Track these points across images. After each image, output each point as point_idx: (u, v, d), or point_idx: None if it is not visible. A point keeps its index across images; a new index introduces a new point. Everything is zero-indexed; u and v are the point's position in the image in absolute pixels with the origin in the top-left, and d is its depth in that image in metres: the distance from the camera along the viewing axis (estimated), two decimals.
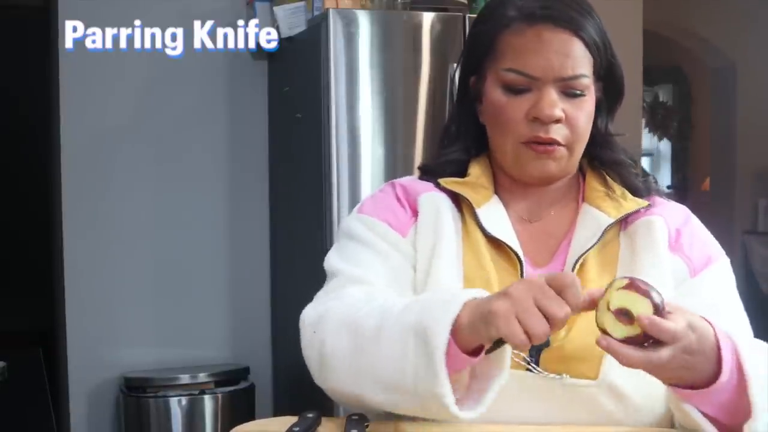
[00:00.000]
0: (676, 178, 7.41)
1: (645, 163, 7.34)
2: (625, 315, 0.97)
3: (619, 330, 0.97)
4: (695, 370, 1.01)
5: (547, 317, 0.96)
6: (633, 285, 0.98)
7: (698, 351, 1.00)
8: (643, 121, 6.52)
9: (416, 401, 1.03)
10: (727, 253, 1.29)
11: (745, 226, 6.05)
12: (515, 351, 1.11)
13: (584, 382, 1.14)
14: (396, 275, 1.23)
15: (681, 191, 7.02)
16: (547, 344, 1.16)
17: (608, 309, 0.98)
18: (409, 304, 1.07)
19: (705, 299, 1.20)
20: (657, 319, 0.96)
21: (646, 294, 0.97)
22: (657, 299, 0.97)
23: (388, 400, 1.07)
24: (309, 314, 1.18)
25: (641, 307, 0.97)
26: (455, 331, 1.00)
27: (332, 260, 1.26)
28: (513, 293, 0.97)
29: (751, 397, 1.01)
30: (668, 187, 7.22)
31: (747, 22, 5.86)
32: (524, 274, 1.21)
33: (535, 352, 1.16)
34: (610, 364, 1.13)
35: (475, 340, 1.01)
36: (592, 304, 0.99)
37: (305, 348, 1.15)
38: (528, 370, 1.15)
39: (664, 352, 0.97)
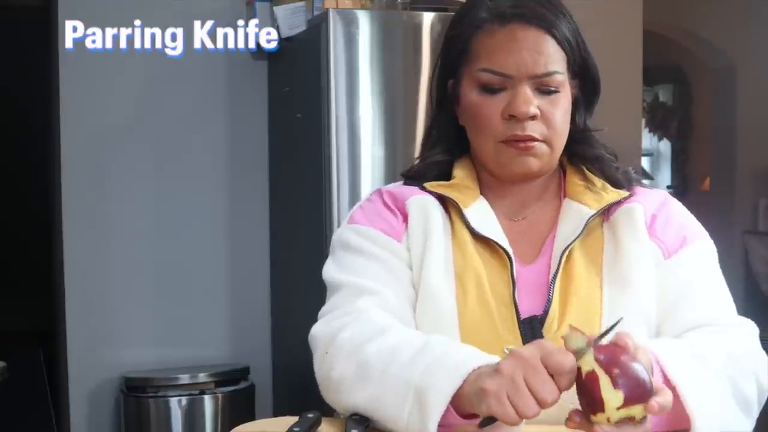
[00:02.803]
0: (676, 178, 7.40)
1: (645, 163, 7.33)
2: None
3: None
4: None
5: (536, 398, 0.95)
6: (630, 399, 0.94)
7: None
8: (643, 121, 6.52)
9: None
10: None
11: (745, 226, 6.04)
12: (509, 347, 1.14)
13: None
14: (400, 283, 1.23)
15: (681, 191, 7.02)
16: (540, 338, 1.18)
17: (608, 422, 0.95)
18: (417, 354, 1.07)
19: (680, 279, 1.22)
20: (664, 403, 0.96)
21: (644, 397, 0.94)
22: (648, 387, 0.95)
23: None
24: (321, 332, 1.18)
25: (641, 411, 0.95)
26: (454, 400, 1.01)
27: (332, 272, 1.27)
28: (504, 371, 0.96)
29: (686, 405, 1.03)
30: (668, 187, 7.21)
31: (747, 23, 5.85)
32: (513, 271, 1.22)
33: None
34: None
35: (472, 409, 1.01)
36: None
37: (316, 366, 1.17)
38: None
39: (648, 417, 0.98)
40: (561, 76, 1.23)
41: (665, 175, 7.49)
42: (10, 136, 6.19)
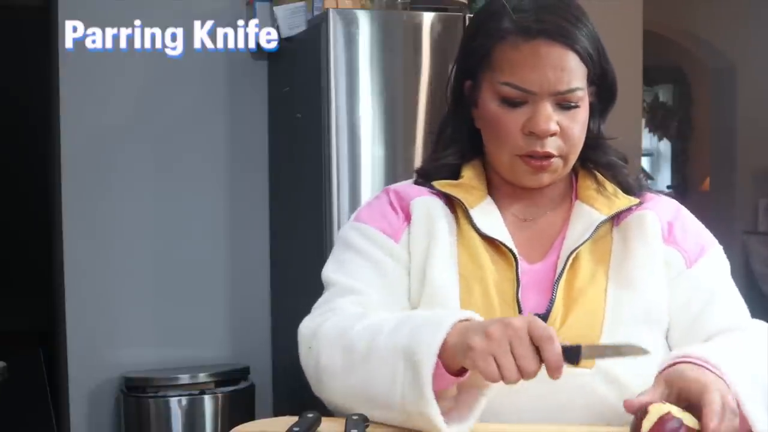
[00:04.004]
0: (676, 178, 7.41)
1: (645, 163, 7.34)
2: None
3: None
4: None
5: (518, 365, 1.00)
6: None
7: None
8: (643, 121, 6.52)
9: (405, 417, 1.07)
10: (727, 253, 1.31)
11: (745, 226, 6.05)
12: None
13: (581, 371, 1.16)
14: (390, 284, 1.26)
15: (681, 191, 7.02)
16: None
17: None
18: (399, 324, 1.11)
19: (702, 288, 1.25)
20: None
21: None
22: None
23: (380, 415, 1.10)
24: (305, 327, 1.22)
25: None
26: (441, 353, 1.04)
27: (328, 271, 1.30)
28: (492, 334, 1.01)
29: (753, 422, 1.03)
30: (668, 187, 7.22)
31: (747, 23, 5.86)
32: (519, 270, 1.23)
33: None
34: None
35: (459, 363, 1.05)
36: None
37: (302, 361, 1.21)
38: None
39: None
40: (581, 92, 1.23)
41: (665, 175, 7.50)
42: (10, 136, 6.18)
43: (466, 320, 1.07)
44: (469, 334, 1.03)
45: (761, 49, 5.83)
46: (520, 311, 1.21)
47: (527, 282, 1.23)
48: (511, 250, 1.24)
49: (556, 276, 1.23)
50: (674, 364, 1.07)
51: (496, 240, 1.25)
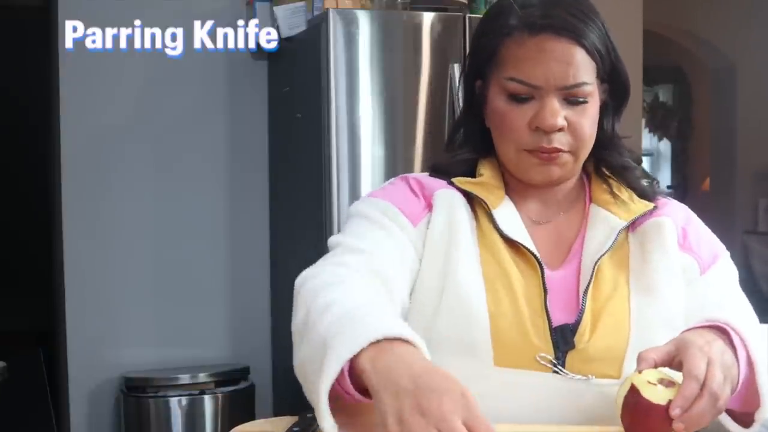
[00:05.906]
0: (676, 178, 7.41)
1: (645, 163, 7.31)
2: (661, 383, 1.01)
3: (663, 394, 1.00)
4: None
5: None
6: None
7: (729, 364, 1.02)
8: (643, 121, 6.52)
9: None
10: None
11: (745, 226, 6.05)
12: (542, 354, 1.16)
13: (608, 382, 1.15)
14: (397, 247, 1.21)
15: (681, 191, 7.03)
16: (572, 347, 1.18)
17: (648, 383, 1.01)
18: (341, 313, 1.02)
19: (716, 295, 1.24)
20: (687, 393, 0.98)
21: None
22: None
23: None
24: (300, 276, 1.19)
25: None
26: (354, 364, 0.94)
27: (335, 236, 1.26)
28: (410, 423, 0.86)
29: (760, 386, 1.03)
30: (668, 187, 7.23)
31: (747, 22, 5.86)
32: (545, 278, 1.21)
33: (561, 355, 1.17)
34: (631, 363, 1.15)
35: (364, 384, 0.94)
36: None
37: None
38: (555, 372, 1.16)
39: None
40: (589, 87, 1.21)
41: (665, 175, 7.50)
42: (10, 136, 6.19)
43: (395, 339, 0.94)
44: (385, 397, 0.88)
45: (761, 48, 5.83)
46: (549, 321, 1.18)
47: (552, 290, 1.21)
48: (535, 256, 1.21)
49: (583, 286, 1.21)
50: (696, 327, 1.07)
51: (518, 243, 1.22)
